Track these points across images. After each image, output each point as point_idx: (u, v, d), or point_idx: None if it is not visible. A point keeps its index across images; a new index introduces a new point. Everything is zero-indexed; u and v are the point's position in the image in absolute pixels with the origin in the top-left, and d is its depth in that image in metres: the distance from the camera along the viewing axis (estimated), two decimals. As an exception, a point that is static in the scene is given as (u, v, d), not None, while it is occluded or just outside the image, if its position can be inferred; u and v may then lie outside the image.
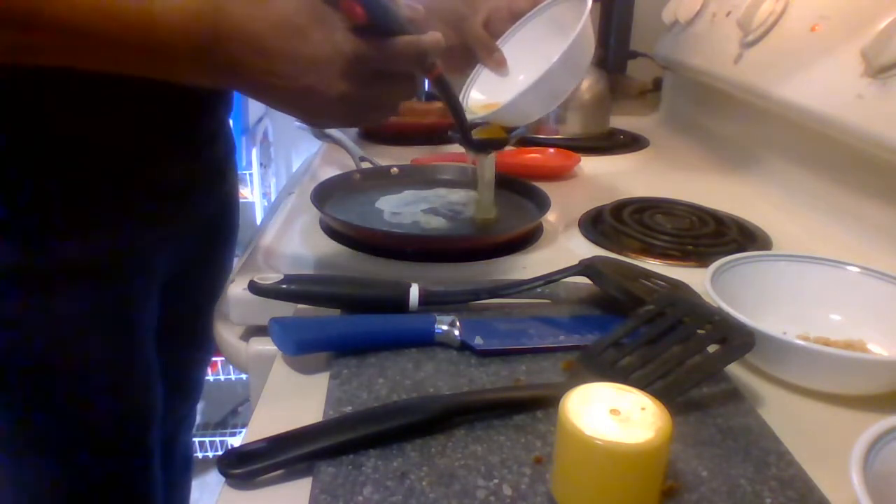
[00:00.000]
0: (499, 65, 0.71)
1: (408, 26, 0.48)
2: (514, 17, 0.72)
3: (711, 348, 0.46)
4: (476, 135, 0.69)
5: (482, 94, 0.71)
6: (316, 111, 0.48)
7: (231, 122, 0.81)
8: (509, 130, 0.73)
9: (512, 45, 0.72)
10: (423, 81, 0.67)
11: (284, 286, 0.52)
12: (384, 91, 0.49)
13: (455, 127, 0.66)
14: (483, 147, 0.71)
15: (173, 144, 0.66)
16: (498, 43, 0.71)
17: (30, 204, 0.60)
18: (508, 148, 0.77)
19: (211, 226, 0.81)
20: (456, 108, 0.62)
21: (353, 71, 0.45)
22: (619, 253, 0.69)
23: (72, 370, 0.67)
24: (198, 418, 1.41)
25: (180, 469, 1.00)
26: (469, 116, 0.68)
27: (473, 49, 0.71)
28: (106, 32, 0.44)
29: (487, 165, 0.74)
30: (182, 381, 0.90)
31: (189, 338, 0.87)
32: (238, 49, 0.44)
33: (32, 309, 0.63)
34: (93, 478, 0.73)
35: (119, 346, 0.70)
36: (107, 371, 0.69)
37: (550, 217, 0.77)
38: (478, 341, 0.50)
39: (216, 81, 0.48)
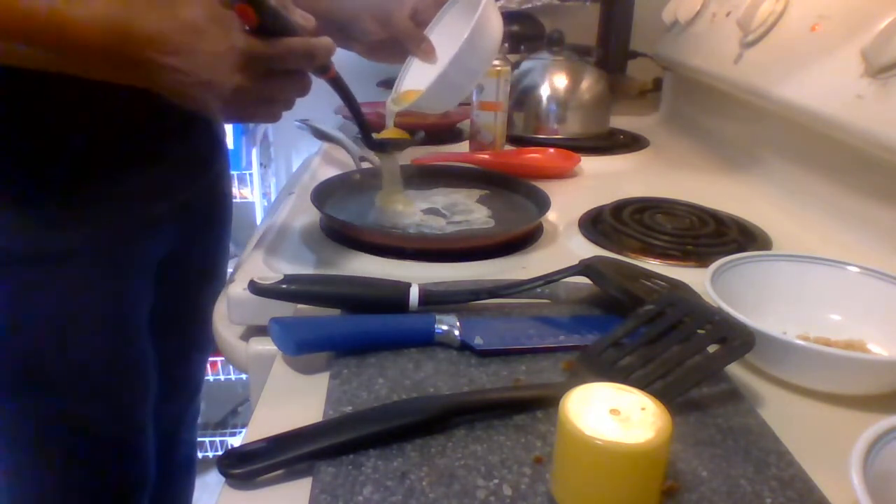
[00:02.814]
0: (427, 54, 0.74)
1: (299, 30, 0.53)
2: (440, 3, 0.74)
3: (711, 348, 0.46)
4: (379, 135, 0.72)
5: (417, 84, 0.72)
6: (216, 103, 0.52)
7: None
8: (414, 133, 0.75)
9: (439, 31, 0.74)
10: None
11: (284, 286, 0.52)
12: (276, 86, 0.54)
13: (357, 125, 0.69)
14: (382, 146, 0.74)
15: (152, 132, 0.68)
16: (427, 31, 0.74)
17: (16, 191, 0.61)
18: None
19: (198, 215, 0.81)
20: (354, 109, 0.66)
21: (246, 65, 0.50)
22: (619, 253, 0.69)
23: (63, 362, 0.67)
24: (198, 418, 1.40)
25: (183, 468, 1.00)
26: (395, 108, 0.72)
27: (403, 42, 0.74)
28: (26, 35, 0.49)
29: (391, 166, 0.76)
30: (176, 378, 0.90)
31: (184, 333, 0.87)
32: (148, 50, 0.49)
33: (21, 299, 0.64)
34: (86, 472, 0.73)
35: (113, 336, 0.70)
36: (100, 363, 0.70)
37: (550, 217, 0.77)
38: (478, 341, 0.50)
39: (131, 80, 0.53)
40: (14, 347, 0.66)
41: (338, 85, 0.63)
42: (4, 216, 0.62)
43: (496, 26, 0.70)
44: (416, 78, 0.74)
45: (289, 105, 0.56)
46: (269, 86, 0.53)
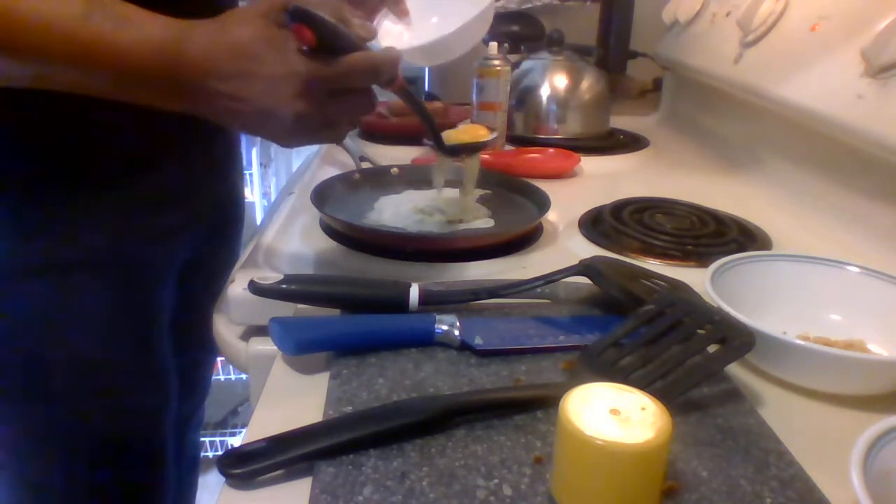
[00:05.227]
0: (403, 13, 0.76)
1: (360, 44, 0.50)
2: None
3: (711, 348, 0.46)
4: (449, 141, 0.72)
5: (395, 24, 0.77)
6: (277, 131, 0.50)
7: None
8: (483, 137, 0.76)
9: None
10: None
11: (284, 286, 0.52)
12: (340, 108, 0.51)
13: (427, 133, 0.68)
14: (454, 152, 0.73)
15: (175, 138, 0.67)
16: None
17: (39, 196, 0.61)
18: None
19: (216, 222, 0.82)
20: (424, 116, 0.64)
21: (307, 90, 0.47)
22: (619, 253, 0.69)
23: (88, 371, 0.67)
24: (198, 418, 1.40)
25: (188, 468, 1.00)
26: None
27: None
28: (75, 59, 0.46)
29: (470, 167, 0.76)
30: (186, 380, 0.91)
31: (198, 337, 0.87)
32: (200, 76, 0.47)
33: (44, 308, 0.63)
34: (102, 476, 0.73)
35: (137, 343, 0.70)
36: (125, 371, 0.70)
37: (550, 217, 0.77)
38: (478, 341, 0.50)
39: (182, 107, 0.50)
40: (37, 356, 0.65)
41: (405, 94, 0.58)
42: (24, 226, 0.61)
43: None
44: (393, 35, 0.76)
45: (355, 125, 0.53)
46: (332, 108, 0.50)
